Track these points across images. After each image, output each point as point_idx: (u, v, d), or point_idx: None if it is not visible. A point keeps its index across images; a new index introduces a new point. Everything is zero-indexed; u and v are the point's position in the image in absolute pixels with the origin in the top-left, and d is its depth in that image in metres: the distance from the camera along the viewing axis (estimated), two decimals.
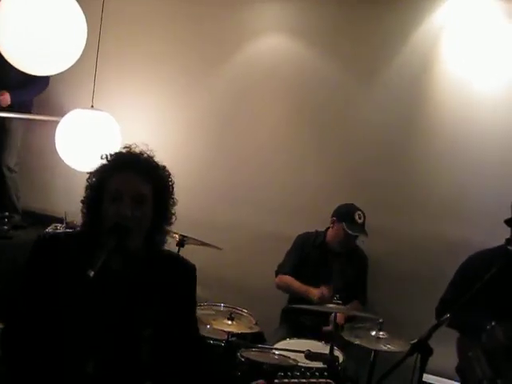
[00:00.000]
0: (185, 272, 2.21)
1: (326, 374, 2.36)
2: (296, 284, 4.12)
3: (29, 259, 2.09)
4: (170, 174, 2.16)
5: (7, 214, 4.39)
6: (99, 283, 1.92)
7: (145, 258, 2.11)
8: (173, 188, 2.16)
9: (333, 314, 3.64)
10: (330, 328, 3.78)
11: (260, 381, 2.20)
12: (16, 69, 4.04)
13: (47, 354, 1.96)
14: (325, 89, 4.70)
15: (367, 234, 4.13)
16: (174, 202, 2.16)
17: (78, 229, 2.18)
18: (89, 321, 1.96)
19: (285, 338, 3.81)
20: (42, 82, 4.97)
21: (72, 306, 1.93)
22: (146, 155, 2.13)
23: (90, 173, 2.14)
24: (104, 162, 2.12)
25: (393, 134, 4.52)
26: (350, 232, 4.08)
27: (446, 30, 4.36)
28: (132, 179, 2.05)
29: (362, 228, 4.12)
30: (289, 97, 4.81)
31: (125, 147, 2.15)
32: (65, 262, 2.01)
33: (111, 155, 2.12)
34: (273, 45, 4.85)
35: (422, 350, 2.44)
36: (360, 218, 4.12)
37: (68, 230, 2.26)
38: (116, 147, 2.19)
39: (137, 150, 2.13)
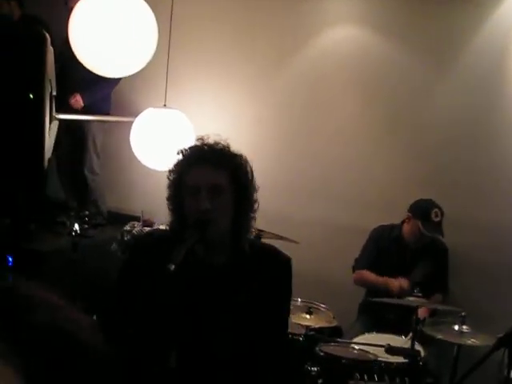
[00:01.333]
0: (279, 265, 2.15)
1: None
2: (373, 277, 4.03)
3: (126, 258, 2.20)
4: (247, 161, 2.12)
5: (87, 213, 4.51)
6: (184, 275, 1.93)
7: (232, 247, 2.09)
8: (252, 174, 2.13)
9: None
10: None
11: None
12: (85, 68, 4.12)
13: (136, 348, 2.00)
14: (396, 80, 4.60)
15: (443, 235, 3.97)
16: (255, 189, 2.13)
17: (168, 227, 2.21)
18: (172, 314, 1.97)
19: (363, 333, 3.75)
20: (112, 78, 5.03)
21: (155, 300, 1.96)
22: (220, 145, 2.10)
23: (169, 170, 2.14)
24: (180, 157, 2.12)
25: (470, 119, 4.37)
26: (425, 232, 3.96)
27: None
28: (207, 171, 2.04)
29: (438, 227, 3.96)
30: (360, 88, 4.72)
31: (198, 139, 2.13)
32: (156, 259, 2.02)
33: (186, 150, 2.12)
34: (344, 36, 4.76)
35: (510, 344, 2.34)
36: (437, 217, 3.94)
37: (162, 228, 2.32)
38: (190, 143, 2.20)
39: (210, 141, 2.10)
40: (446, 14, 4.42)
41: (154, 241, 2.19)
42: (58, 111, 4.69)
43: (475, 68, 4.36)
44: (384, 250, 4.14)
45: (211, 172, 2.04)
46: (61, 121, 4.71)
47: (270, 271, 2.10)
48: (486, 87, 4.33)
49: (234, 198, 2.07)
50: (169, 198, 2.12)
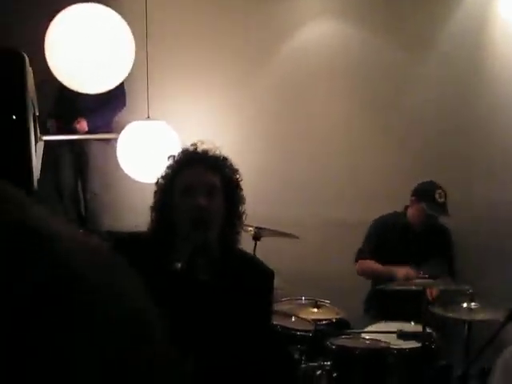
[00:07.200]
0: (261, 277, 2.12)
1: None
2: (377, 266, 3.97)
3: None
4: (237, 169, 2.13)
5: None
6: (181, 281, 1.89)
7: (220, 258, 2.04)
8: (240, 183, 2.12)
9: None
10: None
11: None
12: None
13: None
14: (380, 68, 4.58)
15: (449, 214, 3.98)
16: (243, 199, 2.11)
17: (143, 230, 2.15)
18: (180, 313, 1.91)
19: (372, 323, 3.70)
20: (118, 103, 4.97)
21: (164, 301, 1.89)
22: (211, 150, 2.10)
23: (158, 177, 2.13)
24: (170, 161, 2.10)
25: (456, 104, 4.38)
26: (430, 213, 3.95)
27: None
28: (201, 171, 2.03)
29: (443, 208, 3.97)
30: (344, 81, 4.70)
31: (191, 145, 2.12)
32: (141, 262, 1.96)
33: (178, 154, 2.11)
34: (323, 31, 4.74)
35: None
36: (441, 197, 3.95)
37: (133, 231, 2.29)
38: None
39: (203, 147, 2.10)
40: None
41: (135, 241, 2.11)
42: (63, 134, 4.66)
43: (455, 53, 4.36)
44: (388, 238, 4.09)
45: (205, 172, 2.03)
46: (63, 141, 4.69)
47: (252, 283, 2.06)
48: (465, 76, 4.35)
49: (225, 204, 2.04)
50: (155, 204, 2.07)
